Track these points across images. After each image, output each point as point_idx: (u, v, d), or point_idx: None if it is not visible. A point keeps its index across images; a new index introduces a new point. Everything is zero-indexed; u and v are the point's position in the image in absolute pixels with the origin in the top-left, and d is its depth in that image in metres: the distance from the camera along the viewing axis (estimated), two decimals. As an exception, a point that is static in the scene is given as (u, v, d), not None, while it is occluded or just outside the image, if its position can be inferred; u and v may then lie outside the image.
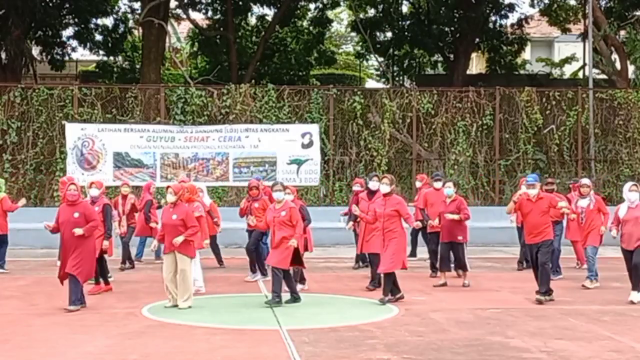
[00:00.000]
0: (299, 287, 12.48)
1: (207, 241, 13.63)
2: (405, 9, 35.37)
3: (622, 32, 28.43)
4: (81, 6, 29.48)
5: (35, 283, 13.71)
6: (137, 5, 31.19)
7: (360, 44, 38.50)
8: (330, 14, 37.01)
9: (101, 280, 12.57)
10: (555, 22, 34.81)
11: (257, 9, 33.67)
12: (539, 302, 11.55)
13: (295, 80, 32.45)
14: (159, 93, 22.21)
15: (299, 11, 33.99)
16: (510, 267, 15.59)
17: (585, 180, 13.49)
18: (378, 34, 35.05)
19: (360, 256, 14.73)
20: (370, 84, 44.26)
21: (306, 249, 12.63)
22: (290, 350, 8.57)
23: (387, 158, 22.14)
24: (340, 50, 45.64)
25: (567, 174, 22.20)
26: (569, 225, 14.28)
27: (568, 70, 37.03)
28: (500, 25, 33.65)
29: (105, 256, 12.60)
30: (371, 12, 34.93)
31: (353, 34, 40.08)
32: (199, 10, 33.25)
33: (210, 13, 33.26)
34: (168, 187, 11.58)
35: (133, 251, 16.04)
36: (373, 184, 13.15)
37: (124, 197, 15.61)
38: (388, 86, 30.92)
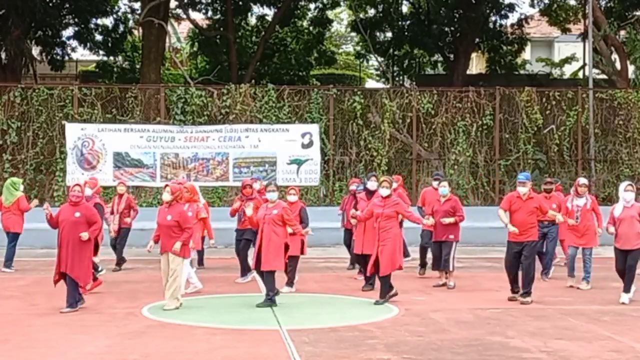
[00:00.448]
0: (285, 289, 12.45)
1: (213, 241, 13.63)
2: (405, 9, 35.39)
3: (622, 32, 28.43)
4: (81, 6, 29.48)
5: (35, 283, 13.71)
6: (137, 5, 31.19)
7: (360, 44, 38.52)
8: (330, 14, 37.01)
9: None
10: (555, 22, 34.81)
11: (257, 9, 33.71)
12: (525, 303, 11.52)
13: (295, 80, 32.45)
14: (159, 93, 22.21)
15: (299, 11, 33.99)
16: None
17: (583, 180, 13.49)
18: (378, 34, 35.05)
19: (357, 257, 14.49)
20: (370, 84, 44.27)
21: (301, 252, 12.61)
22: (290, 350, 8.57)
23: (387, 158, 22.14)
24: (340, 50, 45.64)
25: (567, 174, 22.21)
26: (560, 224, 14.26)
27: (568, 70, 37.03)
28: (500, 25, 33.65)
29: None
30: (371, 12, 34.94)
31: (353, 34, 40.09)
32: (199, 10, 33.27)
33: (210, 13, 33.27)
34: (166, 185, 11.45)
35: (133, 251, 16.03)
36: (371, 184, 13.14)
37: (120, 196, 15.57)
38: (388, 86, 30.92)
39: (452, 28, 32.98)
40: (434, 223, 13.14)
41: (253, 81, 27.45)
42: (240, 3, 32.10)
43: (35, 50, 31.57)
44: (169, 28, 28.75)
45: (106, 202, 15.92)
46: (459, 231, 13.31)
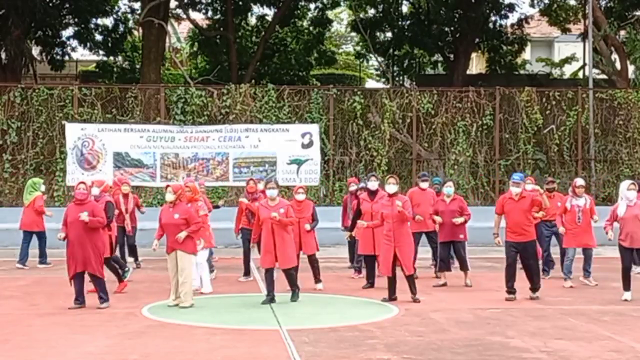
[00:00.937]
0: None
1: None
2: (405, 9, 35.41)
3: (622, 32, 28.44)
4: (81, 6, 29.48)
5: (35, 283, 13.71)
6: (137, 5, 31.20)
7: (360, 44, 38.54)
8: (330, 14, 37.02)
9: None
10: (555, 22, 34.82)
11: (257, 9, 33.73)
12: (535, 298, 11.71)
13: (295, 80, 32.46)
14: (159, 93, 22.21)
15: (299, 11, 33.99)
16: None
17: (580, 182, 13.48)
18: (378, 34, 35.07)
19: (359, 258, 14.48)
20: (370, 84, 44.29)
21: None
22: (290, 350, 8.57)
23: (387, 158, 22.14)
24: (340, 50, 45.65)
25: (567, 174, 22.22)
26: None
27: (568, 70, 37.04)
28: (500, 25, 33.67)
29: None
30: (371, 12, 34.95)
31: (353, 34, 40.11)
32: (199, 10, 33.28)
33: (210, 13, 33.29)
34: (167, 186, 11.53)
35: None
36: (372, 184, 13.13)
37: (125, 195, 15.58)
38: (388, 86, 30.93)
39: (452, 28, 32.99)
40: (441, 221, 13.19)
41: (253, 81, 27.47)
42: (240, 3, 32.10)
43: (35, 50, 31.58)
44: (169, 28, 28.76)
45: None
46: (466, 230, 13.37)
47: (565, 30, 35.35)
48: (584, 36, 30.95)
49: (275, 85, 22.68)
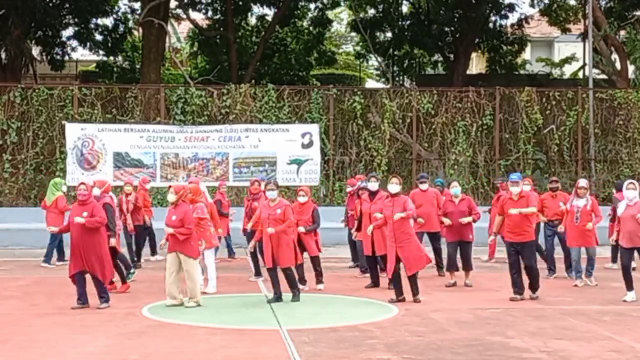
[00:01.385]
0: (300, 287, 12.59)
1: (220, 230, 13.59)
2: (405, 9, 35.39)
3: (622, 32, 28.43)
4: (81, 6, 29.47)
5: (35, 283, 13.71)
6: (137, 5, 31.19)
7: (360, 44, 38.52)
8: (330, 14, 37.03)
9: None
10: (555, 22, 34.82)
11: (257, 9, 33.71)
12: (535, 298, 11.73)
13: (295, 80, 32.45)
14: (159, 93, 22.21)
15: (299, 11, 33.98)
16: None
17: (583, 183, 13.47)
18: (378, 34, 35.05)
19: (364, 259, 14.42)
20: (370, 84, 44.28)
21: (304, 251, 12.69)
22: (290, 350, 8.57)
23: (387, 158, 22.14)
24: (340, 50, 45.65)
25: (567, 174, 22.21)
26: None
27: (568, 70, 37.04)
28: (500, 25, 33.66)
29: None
30: (371, 12, 34.93)
31: (353, 34, 40.09)
32: (199, 10, 33.27)
33: (210, 13, 33.28)
34: (170, 186, 11.61)
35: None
36: (372, 185, 13.13)
37: (127, 195, 15.68)
38: (388, 86, 30.92)
39: (452, 28, 32.99)
40: (450, 224, 13.21)
41: (253, 81, 27.45)
42: (240, 3, 32.10)
43: (35, 50, 31.56)
44: (169, 28, 28.76)
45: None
46: (473, 231, 13.39)
47: (565, 30, 35.34)
48: (584, 36, 30.94)
49: (275, 85, 22.68)
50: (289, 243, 11.58)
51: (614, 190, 15.50)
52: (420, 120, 22.43)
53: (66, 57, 31.27)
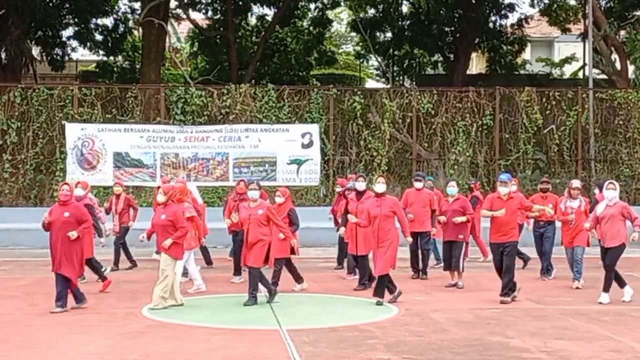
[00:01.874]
0: (297, 286, 12.58)
1: (204, 239, 13.54)
2: (405, 9, 35.41)
3: (622, 32, 28.44)
4: (81, 6, 29.48)
5: (35, 283, 13.71)
6: (137, 5, 31.20)
7: (360, 44, 38.53)
8: (330, 14, 37.03)
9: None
10: (555, 22, 34.83)
11: (257, 9, 33.72)
12: (503, 302, 11.54)
13: (295, 80, 32.45)
14: (159, 93, 22.21)
15: (299, 11, 34.00)
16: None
17: (576, 184, 13.45)
18: (378, 34, 35.07)
19: (348, 257, 14.30)
20: (370, 84, 44.29)
21: (292, 252, 12.56)
22: (290, 350, 8.57)
23: (387, 158, 22.15)
24: (340, 50, 45.65)
25: (567, 174, 22.22)
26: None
27: (568, 70, 37.05)
28: (500, 25, 33.67)
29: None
30: (371, 12, 34.95)
31: (353, 34, 40.10)
32: (199, 10, 33.27)
33: (210, 13, 33.28)
34: (158, 187, 11.67)
35: (134, 251, 16.02)
36: (360, 185, 13.08)
37: (117, 196, 15.62)
38: (388, 86, 30.93)
39: (452, 28, 33.01)
40: (445, 221, 13.19)
41: (253, 81, 27.46)
42: (240, 3, 32.11)
43: (35, 50, 31.58)
44: (169, 28, 28.76)
45: (101, 203, 15.95)
46: (468, 231, 13.33)
47: (565, 30, 35.35)
48: (584, 36, 30.95)
49: (275, 85, 22.68)
50: (263, 246, 11.47)
51: (596, 190, 15.44)
52: (420, 120, 22.44)
53: (66, 57, 31.28)
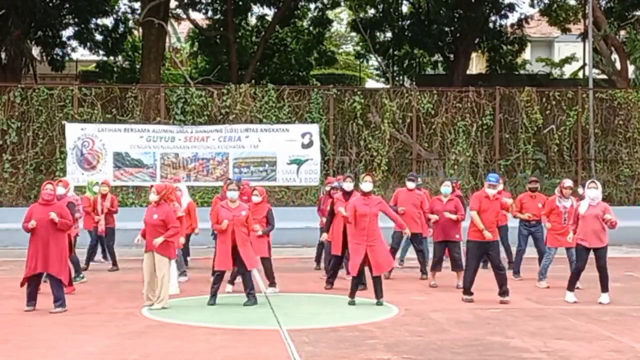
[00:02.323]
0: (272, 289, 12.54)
1: (183, 240, 13.42)
2: (405, 9, 35.43)
3: (622, 32, 28.46)
4: (81, 6, 29.49)
5: (35, 283, 13.67)
6: (137, 5, 31.21)
7: (360, 44, 38.55)
8: (330, 14, 37.04)
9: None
10: (555, 22, 34.85)
11: (257, 9, 33.75)
12: (504, 302, 11.57)
13: (295, 80, 32.47)
14: (159, 93, 22.22)
15: (299, 11, 34.01)
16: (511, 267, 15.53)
17: (568, 183, 13.41)
18: (378, 34, 35.09)
19: (331, 257, 14.27)
20: (370, 84, 44.30)
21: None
22: (290, 350, 8.57)
23: (387, 158, 22.16)
24: (340, 50, 45.66)
25: (567, 174, 22.20)
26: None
27: (568, 70, 37.07)
28: (500, 25, 33.69)
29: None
30: (371, 12, 34.96)
31: (353, 34, 40.12)
32: (199, 10, 33.29)
33: (210, 13, 33.30)
34: (151, 186, 11.66)
35: (133, 251, 16.01)
36: (348, 185, 12.97)
37: (103, 196, 15.56)
38: (388, 86, 30.93)
39: (452, 28, 33.01)
40: (437, 219, 13.18)
41: (253, 81, 27.47)
42: (240, 3, 32.12)
43: (35, 50, 31.59)
44: (169, 28, 28.77)
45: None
46: (461, 231, 13.32)
47: (565, 30, 35.37)
48: (584, 36, 30.96)
49: (275, 85, 22.69)
50: (250, 247, 11.55)
51: (580, 189, 15.39)
52: (420, 120, 22.45)
53: (66, 57, 31.30)
